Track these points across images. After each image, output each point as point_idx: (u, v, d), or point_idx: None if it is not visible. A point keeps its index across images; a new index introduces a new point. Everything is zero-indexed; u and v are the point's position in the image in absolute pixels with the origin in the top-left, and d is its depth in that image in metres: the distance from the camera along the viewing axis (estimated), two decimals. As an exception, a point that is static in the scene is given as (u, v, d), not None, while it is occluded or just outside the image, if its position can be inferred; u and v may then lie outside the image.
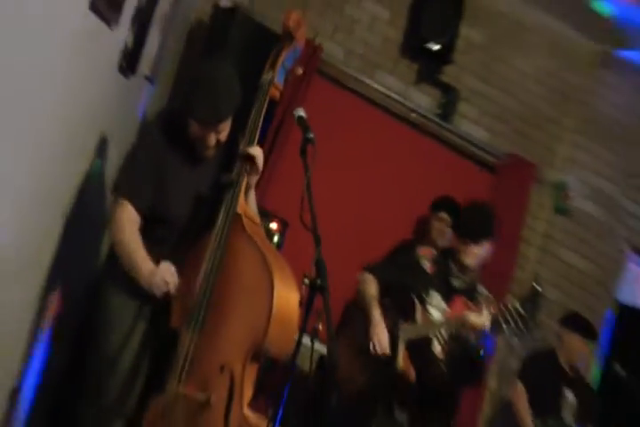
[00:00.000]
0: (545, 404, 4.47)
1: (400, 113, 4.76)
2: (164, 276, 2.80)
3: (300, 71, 3.22)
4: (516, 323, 3.22)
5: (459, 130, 4.81)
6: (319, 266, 2.46)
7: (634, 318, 4.83)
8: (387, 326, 3.53)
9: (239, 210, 2.85)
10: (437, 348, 3.40)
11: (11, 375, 2.91)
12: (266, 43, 3.76)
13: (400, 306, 3.61)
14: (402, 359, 3.49)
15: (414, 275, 3.65)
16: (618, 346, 4.74)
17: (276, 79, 2.94)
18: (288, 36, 3.02)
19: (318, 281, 2.42)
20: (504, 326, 3.23)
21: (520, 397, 4.47)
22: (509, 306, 3.23)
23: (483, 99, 4.77)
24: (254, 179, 2.93)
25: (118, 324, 3.00)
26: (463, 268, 3.57)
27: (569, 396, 4.53)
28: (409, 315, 3.56)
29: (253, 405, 2.82)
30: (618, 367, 4.40)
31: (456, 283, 3.61)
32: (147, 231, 2.91)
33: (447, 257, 3.66)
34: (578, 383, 4.58)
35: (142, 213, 2.91)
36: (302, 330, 2.50)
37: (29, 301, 2.86)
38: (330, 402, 3.97)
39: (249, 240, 2.83)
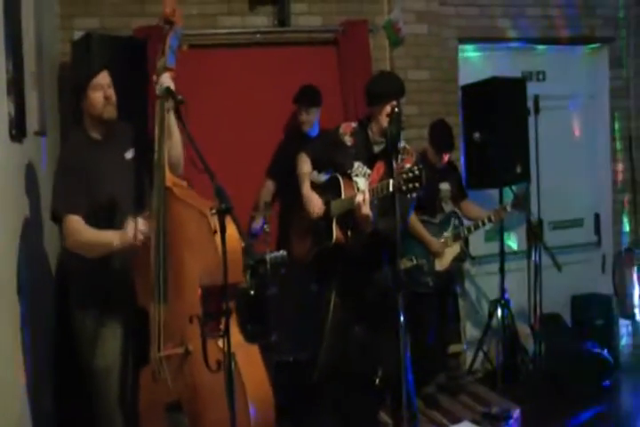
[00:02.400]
0: (431, 209, 4.92)
1: (249, 40, 5.34)
2: (133, 227, 3.02)
3: (185, 48, 3.42)
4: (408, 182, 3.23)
5: (299, 27, 5.42)
6: (219, 193, 2.67)
7: (473, 92, 5.44)
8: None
9: (168, 183, 3.06)
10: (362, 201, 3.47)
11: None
12: (126, 48, 4.52)
13: (329, 185, 3.83)
14: (335, 233, 3.73)
15: (336, 152, 3.80)
16: (471, 119, 5.40)
17: (167, 63, 3.20)
18: (168, 23, 3.24)
19: (223, 206, 2.64)
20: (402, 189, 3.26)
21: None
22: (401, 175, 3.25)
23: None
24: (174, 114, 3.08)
25: (93, 339, 3.26)
26: (384, 132, 3.60)
27: (444, 187, 5.01)
28: (336, 193, 3.75)
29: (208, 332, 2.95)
30: (475, 135, 5.14)
31: (377, 148, 3.74)
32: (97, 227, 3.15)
33: (365, 127, 3.78)
34: (447, 171, 5.08)
35: (85, 215, 3.14)
36: (224, 252, 2.66)
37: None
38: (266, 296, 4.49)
39: (183, 204, 3.04)
